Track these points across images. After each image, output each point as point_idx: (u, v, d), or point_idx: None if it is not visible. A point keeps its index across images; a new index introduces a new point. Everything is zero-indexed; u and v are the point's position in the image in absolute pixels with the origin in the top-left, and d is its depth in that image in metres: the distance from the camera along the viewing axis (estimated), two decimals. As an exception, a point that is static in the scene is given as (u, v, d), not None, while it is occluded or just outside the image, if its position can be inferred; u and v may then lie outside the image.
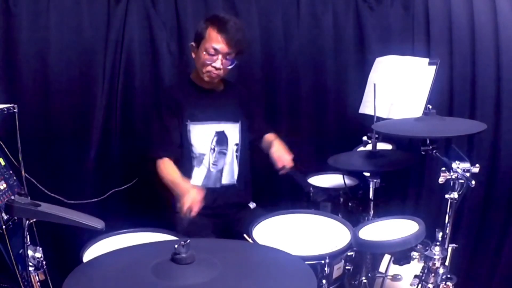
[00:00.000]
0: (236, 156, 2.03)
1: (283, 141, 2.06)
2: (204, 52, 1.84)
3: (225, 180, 2.00)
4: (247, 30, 2.00)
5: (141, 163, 2.07)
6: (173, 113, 1.90)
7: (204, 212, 1.93)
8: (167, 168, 1.87)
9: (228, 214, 2.01)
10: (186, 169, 1.92)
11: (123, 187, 2.26)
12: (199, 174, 1.96)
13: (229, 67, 1.90)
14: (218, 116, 1.97)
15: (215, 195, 1.97)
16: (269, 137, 2.13)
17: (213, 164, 1.97)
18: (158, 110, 1.91)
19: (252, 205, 2.07)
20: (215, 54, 1.84)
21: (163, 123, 1.89)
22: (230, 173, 2.01)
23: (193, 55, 1.94)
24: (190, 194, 1.67)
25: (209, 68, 1.86)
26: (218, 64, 1.85)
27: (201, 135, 1.94)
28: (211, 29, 1.84)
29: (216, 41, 1.83)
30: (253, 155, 2.17)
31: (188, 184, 1.79)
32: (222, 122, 1.98)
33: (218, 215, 1.97)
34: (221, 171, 1.99)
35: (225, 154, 2.00)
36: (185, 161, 1.94)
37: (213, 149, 1.96)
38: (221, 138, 1.98)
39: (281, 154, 1.94)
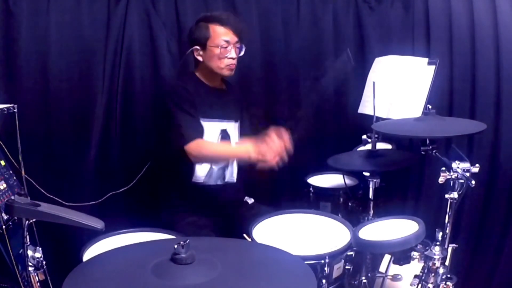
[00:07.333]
0: None
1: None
2: (218, 47, 1.90)
3: (227, 178, 2.02)
4: (246, 30, 2.03)
5: (148, 160, 2.09)
6: (193, 107, 1.89)
7: (204, 211, 1.95)
8: (210, 144, 1.90)
9: (227, 211, 2.02)
10: (188, 165, 1.92)
11: (121, 190, 2.25)
12: (201, 171, 1.96)
13: (241, 54, 1.98)
14: (223, 115, 1.99)
15: (215, 193, 1.98)
16: None
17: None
18: (179, 104, 1.86)
19: (250, 200, 2.09)
20: (227, 46, 1.91)
21: (190, 114, 1.86)
22: (230, 170, 2.03)
23: (200, 58, 1.96)
24: (269, 146, 1.74)
25: (226, 60, 1.93)
26: (233, 54, 1.93)
27: (209, 132, 1.94)
28: (213, 26, 1.91)
29: (224, 34, 1.91)
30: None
31: (246, 143, 1.82)
32: (226, 121, 2.00)
33: (218, 214, 1.98)
34: (223, 169, 2.00)
35: None
36: (188, 157, 1.94)
37: None
38: (225, 137, 2.00)
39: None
